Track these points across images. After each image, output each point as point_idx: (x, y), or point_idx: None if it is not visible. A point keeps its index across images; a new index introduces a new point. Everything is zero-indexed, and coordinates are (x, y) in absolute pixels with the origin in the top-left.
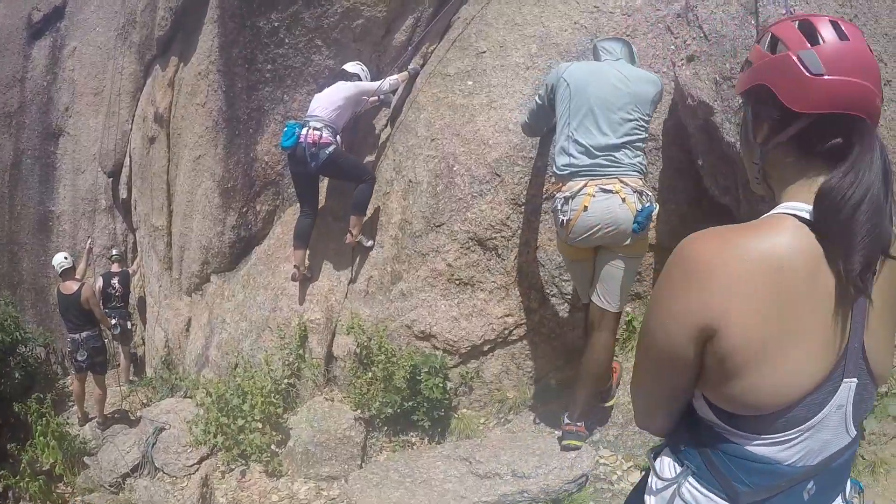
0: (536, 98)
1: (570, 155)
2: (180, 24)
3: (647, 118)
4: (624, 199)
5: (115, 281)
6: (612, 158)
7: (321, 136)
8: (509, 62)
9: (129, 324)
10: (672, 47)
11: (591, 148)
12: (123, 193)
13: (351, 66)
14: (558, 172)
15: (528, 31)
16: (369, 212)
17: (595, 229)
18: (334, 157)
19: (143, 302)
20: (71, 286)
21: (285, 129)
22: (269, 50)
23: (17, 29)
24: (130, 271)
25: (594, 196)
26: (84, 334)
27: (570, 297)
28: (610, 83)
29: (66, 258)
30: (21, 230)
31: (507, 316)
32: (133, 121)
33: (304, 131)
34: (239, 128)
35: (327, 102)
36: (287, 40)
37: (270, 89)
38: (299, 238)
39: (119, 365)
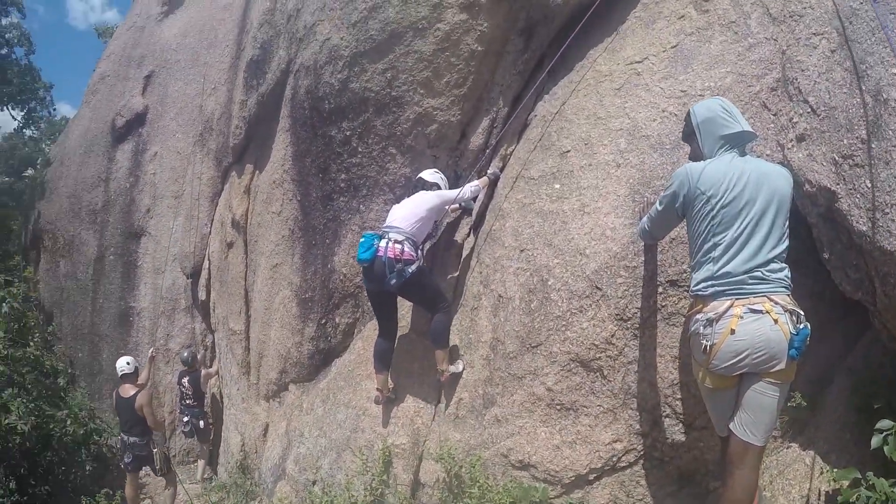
0: (658, 205)
1: (711, 273)
2: (254, 133)
3: (789, 223)
4: (776, 321)
5: (185, 380)
6: (759, 275)
7: (403, 251)
8: (597, 161)
9: (201, 422)
10: (772, 126)
11: (738, 265)
12: (202, 295)
13: (429, 175)
14: (700, 292)
15: (614, 125)
16: (453, 335)
17: (743, 355)
18: (418, 276)
19: (218, 402)
20: (128, 390)
21: (362, 239)
22: (343, 159)
23: (102, 133)
24: (205, 372)
25: (742, 318)
26: (132, 440)
27: (683, 416)
28: (753, 188)
29: (128, 363)
30: (103, 322)
31: (616, 442)
32: (212, 225)
33: (383, 244)
34: (315, 238)
35: (408, 213)
36: (360, 149)
37: (346, 199)
38: (380, 360)
39: (195, 460)
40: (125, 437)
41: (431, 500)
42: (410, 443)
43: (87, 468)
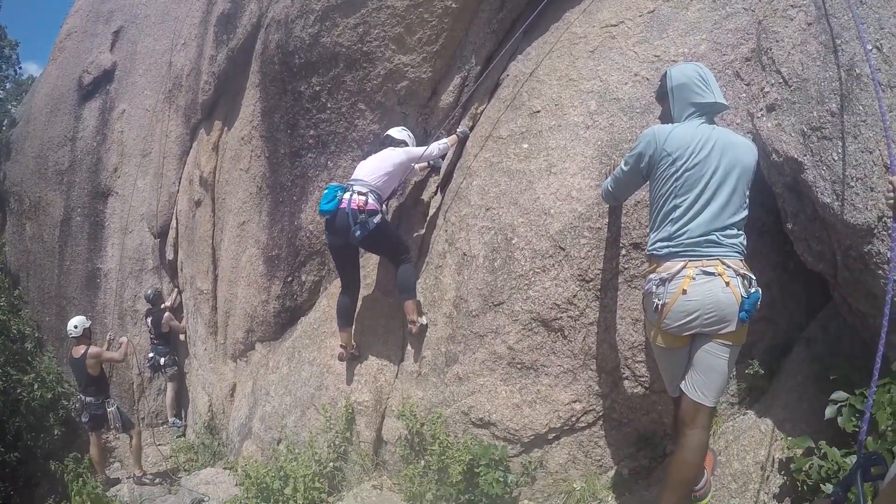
0: (623, 165)
1: (668, 234)
2: (224, 89)
3: (749, 192)
4: (727, 283)
5: (148, 319)
6: (715, 238)
7: (367, 202)
8: (567, 122)
9: (162, 359)
10: (744, 95)
11: (694, 228)
12: (170, 254)
13: (397, 132)
14: (655, 252)
15: (585, 87)
16: (419, 289)
17: (694, 315)
18: (382, 228)
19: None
20: (79, 350)
21: (325, 191)
22: (312, 115)
23: (69, 90)
24: (167, 314)
25: (694, 279)
26: (87, 399)
27: (644, 379)
28: (717, 156)
29: (75, 327)
30: (69, 285)
31: (575, 402)
32: (180, 183)
33: (346, 195)
34: (283, 195)
35: (374, 168)
36: (329, 105)
37: (314, 155)
38: (342, 317)
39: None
40: (82, 397)
41: (393, 457)
42: (373, 400)
43: (56, 432)
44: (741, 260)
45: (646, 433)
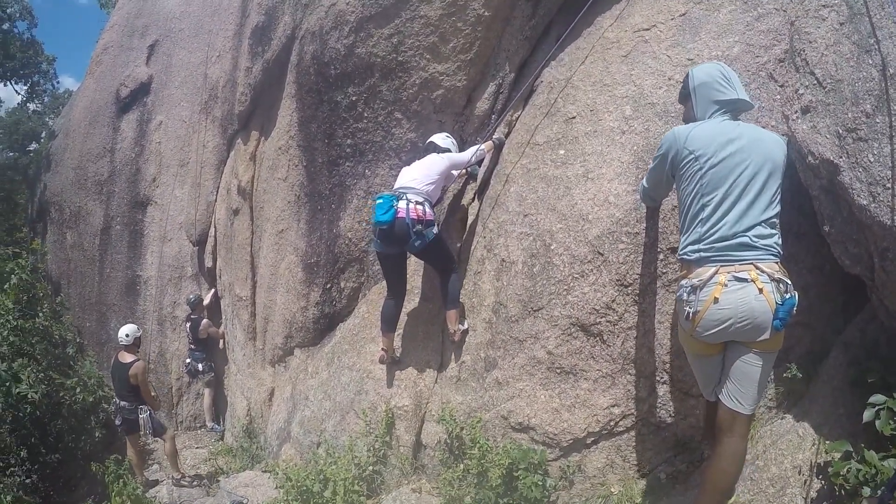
0: (651, 165)
1: (699, 236)
2: (260, 100)
3: (781, 189)
4: (761, 290)
5: (187, 324)
6: (746, 241)
7: (425, 212)
8: (602, 127)
9: (200, 365)
10: (778, 97)
11: (724, 227)
12: (209, 262)
13: (441, 140)
14: (685, 257)
15: (619, 92)
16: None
17: (727, 324)
18: (439, 239)
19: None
20: (126, 356)
21: (378, 200)
22: (349, 124)
23: (107, 103)
24: (205, 321)
25: (726, 286)
26: (122, 403)
27: (682, 384)
28: (744, 151)
29: (127, 336)
30: (110, 292)
31: (614, 406)
32: (217, 192)
33: (402, 205)
34: (321, 203)
35: (422, 176)
36: (366, 114)
37: (351, 164)
38: (387, 322)
39: (202, 426)
40: (117, 401)
41: (433, 461)
42: (413, 405)
43: (97, 435)
44: (777, 263)
45: (683, 438)
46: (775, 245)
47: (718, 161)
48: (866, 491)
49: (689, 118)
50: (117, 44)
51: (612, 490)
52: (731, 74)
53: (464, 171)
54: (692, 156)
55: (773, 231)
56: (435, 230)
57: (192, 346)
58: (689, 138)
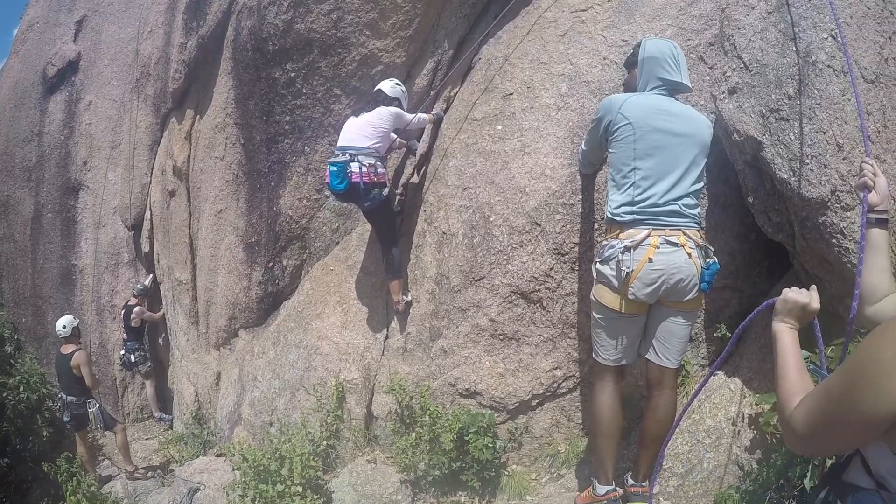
0: (587, 133)
1: (632, 199)
2: (194, 77)
3: (706, 166)
4: (689, 255)
5: (122, 312)
6: (676, 209)
7: (377, 172)
8: (539, 103)
9: (132, 356)
10: (707, 78)
11: (655, 195)
12: (146, 247)
13: (390, 88)
14: (617, 218)
15: (556, 70)
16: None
17: (659, 283)
18: (389, 200)
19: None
20: (68, 347)
21: (333, 168)
22: (287, 101)
23: (33, 84)
24: (137, 308)
25: (658, 248)
26: (69, 398)
27: None
28: (676, 124)
29: (64, 327)
30: (45, 284)
31: (556, 369)
32: (152, 174)
33: (355, 167)
34: (260, 181)
35: (370, 131)
36: (305, 91)
37: (290, 141)
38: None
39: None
40: (64, 396)
41: (385, 431)
42: (362, 377)
43: (44, 434)
44: (699, 231)
45: (623, 396)
46: (699, 215)
47: (651, 130)
48: None
49: (630, 85)
50: (43, 20)
51: (559, 449)
52: (681, 56)
53: (402, 141)
54: (627, 122)
55: (698, 202)
56: (386, 191)
57: (125, 337)
58: (625, 105)
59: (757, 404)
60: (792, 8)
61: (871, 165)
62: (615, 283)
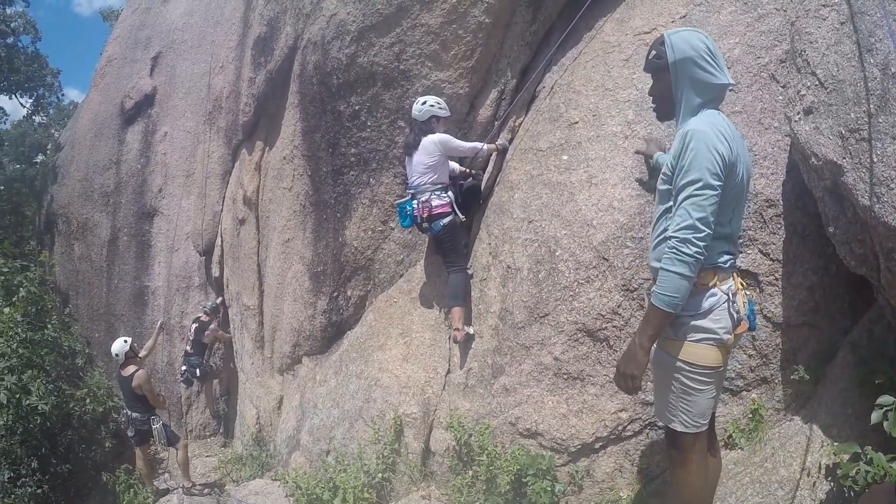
0: (713, 180)
1: (730, 245)
2: (263, 110)
3: None
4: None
5: (194, 326)
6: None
7: (431, 206)
8: (605, 132)
9: (197, 371)
10: (780, 98)
11: (735, 234)
12: (216, 271)
13: (417, 111)
14: (723, 266)
15: (622, 96)
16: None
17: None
18: (449, 228)
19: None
20: (128, 369)
21: (398, 207)
22: (352, 133)
23: (112, 115)
24: (212, 326)
25: (741, 289)
26: (133, 415)
27: None
28: (743, 153)
29: (116, 356)
30: (118, 303)
31: (621, 411)
32: (223, 202)
33: (414, 205)
34: (326, 212)
35: (422, 167)
36: (369, 123)
37: (356, 173)
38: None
39: (212, 434)
40: (128, 413)
41: (441, 467)
42: (421, 412)
43: (107, 445)
44: None
45: None
46: None
47: (744, 170)
48: None
49: (662, 95)
50: (121, 56)
51: (621, 494)
52: (715, 48)
53: (466, 171)
54: (737, 158)
55: None
56: (444, 221)
57: (189, 350)
58: (734, 144)
59: (836, 454)
60: (864, 17)
61: None
62: (723, 335)
